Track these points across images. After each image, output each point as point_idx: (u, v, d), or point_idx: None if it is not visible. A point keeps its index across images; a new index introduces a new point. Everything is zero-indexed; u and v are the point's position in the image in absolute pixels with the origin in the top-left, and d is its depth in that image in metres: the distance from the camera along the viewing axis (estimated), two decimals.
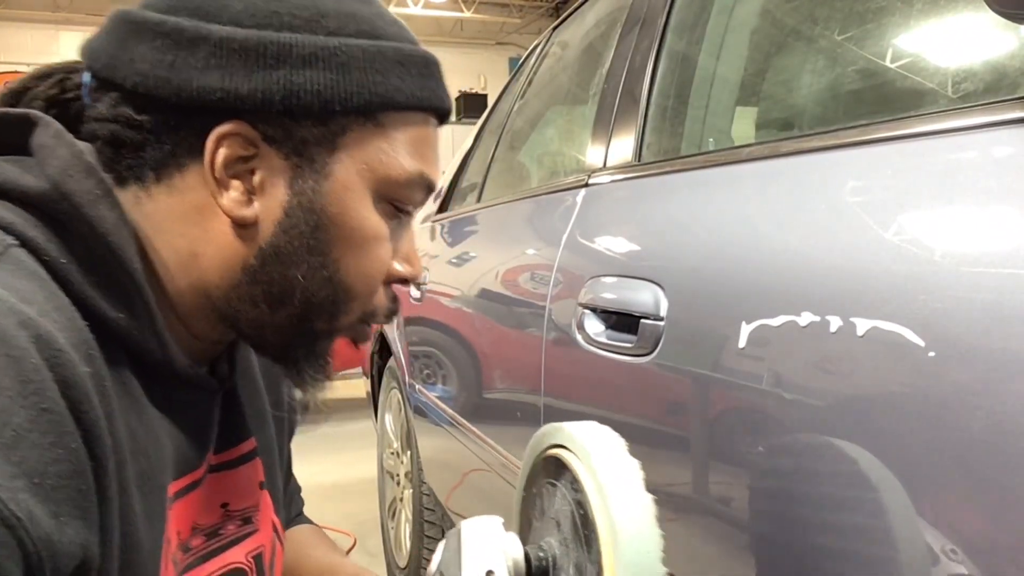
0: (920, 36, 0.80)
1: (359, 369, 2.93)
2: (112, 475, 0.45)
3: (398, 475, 2.37)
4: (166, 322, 0.53)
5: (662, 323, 0.81)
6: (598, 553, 0.51)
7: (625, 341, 0.88)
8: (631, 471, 0.54)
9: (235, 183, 0.53)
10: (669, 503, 0.86)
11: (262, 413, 0.70)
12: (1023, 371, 0.45)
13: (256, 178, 0.53)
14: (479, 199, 1.96)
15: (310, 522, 0.87)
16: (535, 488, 0.64)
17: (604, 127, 1.21)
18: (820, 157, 0.71)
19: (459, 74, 8.93)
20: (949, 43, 0.75)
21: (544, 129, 2.03)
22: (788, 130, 1.03)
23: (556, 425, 0.61)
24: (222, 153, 0.52)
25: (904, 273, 0.54)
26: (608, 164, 1.15)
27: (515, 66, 2.42)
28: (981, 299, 0.48)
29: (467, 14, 8.64)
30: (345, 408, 4.68)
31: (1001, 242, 0.50)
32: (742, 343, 0.67)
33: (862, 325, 0.55)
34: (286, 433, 0.77)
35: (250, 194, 0.53)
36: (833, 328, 0.58)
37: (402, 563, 2.25)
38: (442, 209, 2.27)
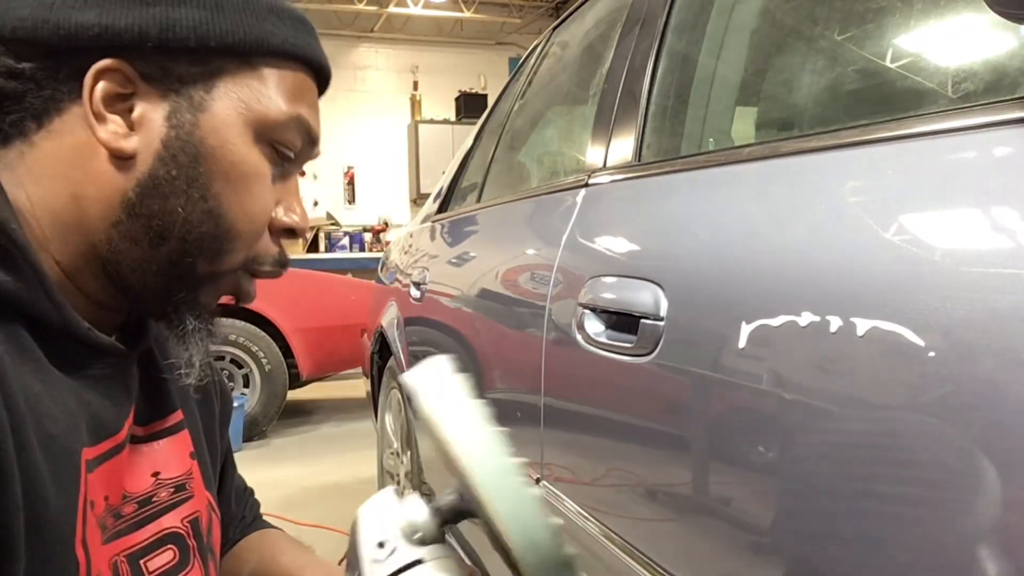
0: (920, 36, 0.80)
1: (359, 369, 2.93)
2: (7, 432, 0.45)
3: (398, 475, 2.36)
4: (60, 288, 0.54)
5: (662, 323, 0.81)
6: (470, 484, 0.53)
7: (625, 341, 0.88)
8: (458, 397, 0.56)
9: (114, 117, 0.54)
10: (669, 503, 0.86)
11: (184, 388, 0.70)
12: (1023, 371, 0.45)
13: (134, 114, 0.55)
14: (479, 199, 1.96)
15: (271, 526, 0.87)
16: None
17: (604, 127, 1.21)
18: (820, 157, 0.71)
19: (459, 74, 8.91)
20: (949, 43, 0.75)
21: (544, 129, 2.03)
22: (788, 130, 1.03)
23: (402, 377, 0.62)
24: (100, 87, 0.53)
25: (904, 273, 0.54)
26: (608, 164, 1.15)
27: (515, 66, 2.42)
28: (981, 299, 0.48)
29: (467, 14, 8.62)
30: (345, 408, 4.68)
31: (1001, 242, 0.50)
32: (742, 343, 0.67)
33: (862, 325, 0.55)
34: (217, 419, 0.78)
35: (129, 129, 0.55)
36: (833, 328, 0.58)
37: None
38: (442, 209, 2.27)
